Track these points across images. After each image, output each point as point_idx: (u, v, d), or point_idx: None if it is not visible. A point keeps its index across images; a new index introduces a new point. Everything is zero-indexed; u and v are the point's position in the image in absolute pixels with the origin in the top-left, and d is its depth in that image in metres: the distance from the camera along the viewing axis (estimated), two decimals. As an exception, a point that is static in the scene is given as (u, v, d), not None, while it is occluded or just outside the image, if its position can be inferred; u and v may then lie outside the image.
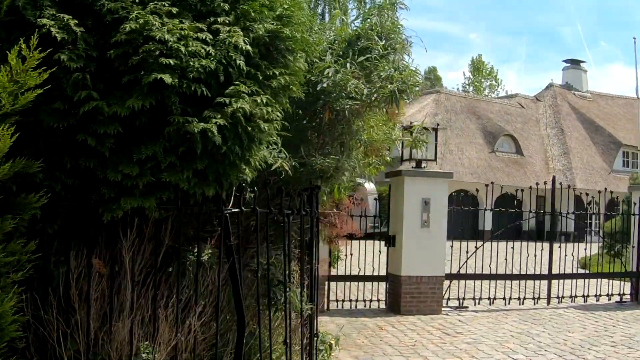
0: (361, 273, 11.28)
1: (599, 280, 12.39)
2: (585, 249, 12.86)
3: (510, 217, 13.14)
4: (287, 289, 5.37)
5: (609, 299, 12.10)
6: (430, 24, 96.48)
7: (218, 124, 4.17)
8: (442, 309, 10.84)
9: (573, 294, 11.87)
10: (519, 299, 11.46)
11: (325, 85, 5.61)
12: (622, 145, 38.58)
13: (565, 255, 11.72)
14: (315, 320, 6.20)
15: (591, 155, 37.71)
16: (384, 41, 5.93)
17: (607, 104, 44.05)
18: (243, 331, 4.96)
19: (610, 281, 12.65)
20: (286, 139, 5.93)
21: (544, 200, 14.08)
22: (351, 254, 10.79)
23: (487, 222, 22.79)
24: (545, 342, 8.61)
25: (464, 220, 11.44)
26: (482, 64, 61.89)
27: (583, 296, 11.90)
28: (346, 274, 11.22)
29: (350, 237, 10.92)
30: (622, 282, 12.45)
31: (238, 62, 4.33)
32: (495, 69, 62.74)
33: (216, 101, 4.28)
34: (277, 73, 4.54)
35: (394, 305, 10.77)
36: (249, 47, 4.37)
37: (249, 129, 4.39)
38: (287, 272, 5.32)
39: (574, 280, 12.12)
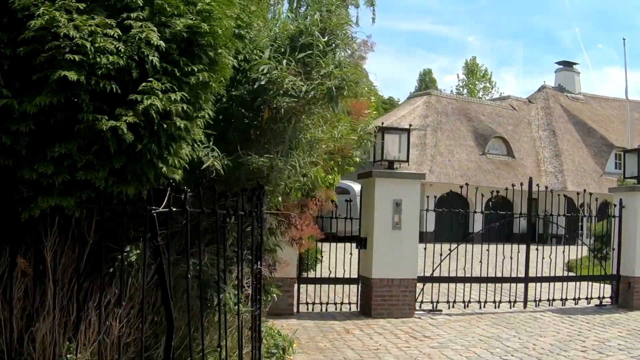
0: (332, 275, 11.01)
1: (580, 283, 12.05)
2: (577, 252, 12.62)
3: (493, 219, 12.85)
4: (223, 291, 5.13)
5: (588, 303, 11.81)
6: (429, 27, 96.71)
7: (128, 121, 4.11)
8: (415, 312, 10.60)
9: (551, 298, 11.58)
10: (494, 302, 11.18)
11: (263, 82, 5.39)
12: (614, 148, 38.27)
13: (543, 258, 11.43)
14: (257, 323, 5.96)
15: (583, 157, 37.44)
16: (327, 37, 5.68)
17: (601, 106, 43.80)
18: (172, 333, 4.76)
19: (591, 284, 12.39)
20: (229, 137, 5.70)
21: (536, 202, 13.94)
22: (321, 257, 10.55)
23: (477, 224, 22.52)
24: (514, 346, 8.34)
25: (453, 222, 11.24)
26: (476, 67, 61.69)
27: (561, 299, 11.61)
28: (317, 276, 11.01)
29: (334, 238, 10.81)
30: (603, 285, 12.16)
31: (151, 58, 4.23)
32: (490, 72, 62.51)
33: (128, 98, 4.21)
34: (196, 69, 4.39)
35: (366, 309, 10.52)
36: (162, 43, 4.27)
37: (165, 126, 4.29)
38: (219, 273, 5.07)
39: (552, 284, 11.82)
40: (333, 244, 10.72)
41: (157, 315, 5.18)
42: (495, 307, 11.14)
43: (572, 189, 30.52)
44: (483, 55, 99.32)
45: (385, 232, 10.42)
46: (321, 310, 10.66)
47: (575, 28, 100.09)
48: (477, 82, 61.11)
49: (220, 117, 5.75)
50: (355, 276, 10.96)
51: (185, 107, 4.29)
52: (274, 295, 8.95)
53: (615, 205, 12.11)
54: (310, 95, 5.30)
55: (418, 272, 10.73)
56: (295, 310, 10.42)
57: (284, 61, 5.44)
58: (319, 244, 12.56)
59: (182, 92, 4.29)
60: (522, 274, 11.59)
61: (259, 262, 5.89)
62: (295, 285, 10.60)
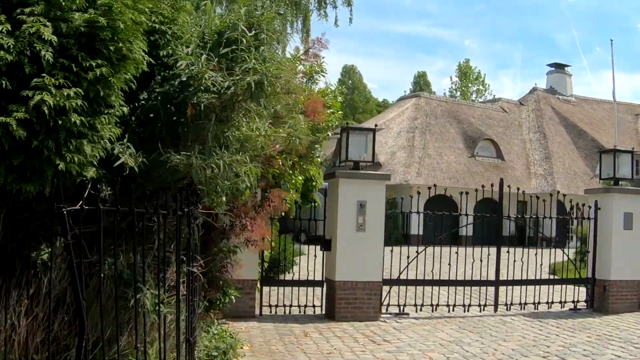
0: (302, 278, 10.77)
1: (563, 287, 11.76)
2: (563, 255, 12.39)
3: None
4: (140, 291, 4.88)
5: (562, 307, 11.53)
6: (426, 30, 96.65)
7: (18, 117, 3.96)
8: (382, 315, 10.35)
9: (523, 301, 11.30)
10: (463, 305, 10.90)
11: (184, 78, 5.14)
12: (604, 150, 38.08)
13: (515, 261, 11.17)
14: (191, 325, 5.69)
15: (574, 159, 37.20)
16: (253, 32, 5.42)
17: (592, 109, 43.60)
18: (83, 333, 4.54)
19: (573, 287, 12.13)
20: (157, 135, 5.43)
21: (525, 205, 13.71)
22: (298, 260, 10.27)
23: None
24: (474, 352, 8.06)
25: (437, 224, 11.03)
26: (470, 69, 61.51)
27: (534, 303, 11.33)
28: (279, 278, 10.79)
29: (316, 241, 10.63)
30: (578, 289, 11.87)
31: (44, 53, 4.05)
32: (483, 74, 62.32)
33: (21, 94, 4.04)
34: (94, 65, 4.17)
35: (330, 312, 10.27)
36: (54, 38, 4.07)
37: (60, 122, 4.10)
38: (136, 272, 4.81)
39: (534, 287, 11.52)
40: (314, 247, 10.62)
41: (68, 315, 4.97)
42: (464, 311, 10.87)
43: (562, 191, 30.24)
44: (481, 59, 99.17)
45: (349, 234, 10.16)
46: (285, 313, 10.41)
47: (573, 31, 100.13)
48: (470, 85, 60.94)
49: (151, 115, 5.52)
50: (320, 278, 10.69)
51: (80, 103, 4.08)
52: (232, 297, 8.80)
53: (590, 207, 11.84)
54: (230, 91, 5.02)
55: (387, 275, 10.48)
56: (258, 312, 10.17)
57: (204, 56, 5.19)
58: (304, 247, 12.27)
59: (77, 88, 4.10)
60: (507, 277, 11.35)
61: (191, 263, 5.63)
62: (258, 288, 10.39)
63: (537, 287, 11.52)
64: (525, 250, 11.29)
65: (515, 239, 15.66)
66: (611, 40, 35.30)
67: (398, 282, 10.69)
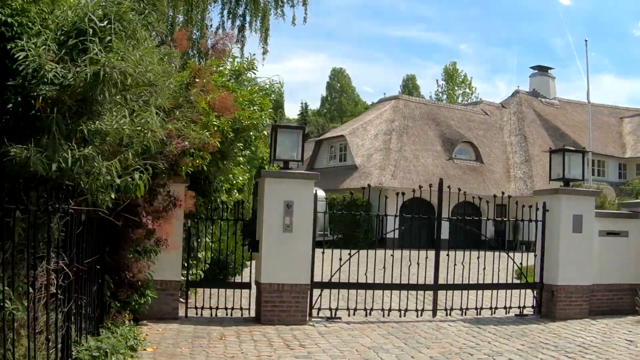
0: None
1: (507, 291, 11.23)
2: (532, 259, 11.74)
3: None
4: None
5: (507, 312, 10.98)
6: (422, 35, 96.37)
7: None
8: (313, 319, 9.92)
9: (464, 306, 10.78)
10: (399, 310, 10.39)
11: (29, 70, 4.70)
12: (586, 153, 37.61)
13: (455, 265, 10.65)
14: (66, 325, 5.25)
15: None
16: (105, 23, 4.97)
17: (576, 111, 43.18)
18: None
19: (525, 292, 11.55)
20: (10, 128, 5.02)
21: (506, 208, 13.32)
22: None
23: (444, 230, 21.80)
24: (388, 359, 7.54)
25: (414, 227, 10.64)
26: (456, 72, 61.10)
27: (476, 309, 10.81)
28: (208, 279, 10.39)
29: None
30: (523, 293, 11.32)
31: None
32: (469, 77, 61.89)
33: None
34: None
35: (258, 315, 9.79)
36: None
37: None
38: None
39: (466, 292, 11.01)
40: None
41: None
42: (400, 316, 10.36)
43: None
44: (476, 63, 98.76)
45: (275, 234, 9.71)
46: (211, 315, 9.94)
47: (568, 36, 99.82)
48: (456, 88, 60.51)
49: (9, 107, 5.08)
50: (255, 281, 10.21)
51: None
52: (149, 297, 8.66)
53: (537, 209, 11.34)
54: (68, 83, 4.58)
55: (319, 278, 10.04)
56: (183, 314, 9.74)
57: (42, 47, 4.75)
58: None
59: None
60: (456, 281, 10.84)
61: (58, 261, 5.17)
62: (182, 289, 9.99)
63: (495, 292, 11.03)
64: (439, 253, 10.68)
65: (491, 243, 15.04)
66: (586, 40, 34.78)
67: (329, 285, 10.21)
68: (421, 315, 10.48)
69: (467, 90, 60.25)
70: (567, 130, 39.24)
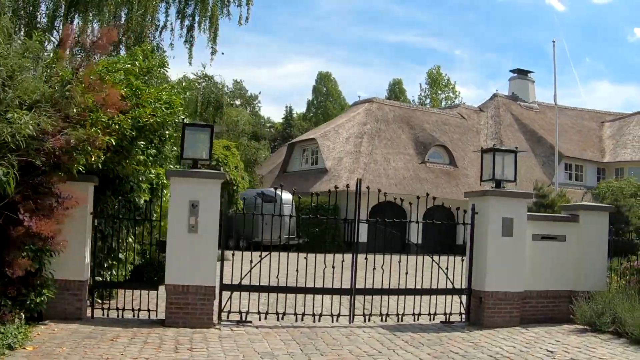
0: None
1: (456, 297, 10.74)
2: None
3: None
4: None
5: (432, 319, 10.48)
6: (416, 39, 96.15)
7: None
8: (223, 322, 9.53)
9: (384, 312, 10.29)
10: (313, 315, 9.92)
11: None
12: (563, 157, 37.27)
13: (374, 269, 10.17)
14: None
15: (531, 167, 36.33)
16: None
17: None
18: None
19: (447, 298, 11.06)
20: None
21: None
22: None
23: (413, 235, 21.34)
24: (272, 367, 7.11)
25: (386, 232, 10.26)
26: (440, 76, 60.72)
27: (397, 315, 10.32)
28: (112, 280, 9.99)
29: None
30: (456, 299, 10.81)
31: None
32: (453, 81, 61.55)
33: None
34: None
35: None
36: None
37: None
38: None
39: (396, 297, 10.52)
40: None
41: None
42: (314, 321, 9.90)
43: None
44: (470, 68, 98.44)
45: (180, 235, 9.33)
46: (118, 316, 9.56)
47: (563, 42, 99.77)
48: (440, 92, 60.14)
49: None
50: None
51: None
52: (45, 297, 8.44)
53: (465, 212, 10.86)
54: None
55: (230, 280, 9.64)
56: (89, 314, 9.44)
57: None
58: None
59: None
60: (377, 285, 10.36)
61: None
62: (87, 289, 9.56)
63: (419, 297, 10.54)
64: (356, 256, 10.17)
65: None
66: (554, 41, 34.04)
67: (240, 288, 9.77)
68: (337, 320, 10.01)
69: (451, 94, 59.99)
70: (545, 134, 38.86)
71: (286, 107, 73.04)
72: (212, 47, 17.56)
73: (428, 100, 59.45)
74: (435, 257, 10.55)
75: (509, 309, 10.46)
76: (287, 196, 28.14)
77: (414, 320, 10.38)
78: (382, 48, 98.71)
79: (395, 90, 67.14)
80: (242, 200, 21.79)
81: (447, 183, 32.90)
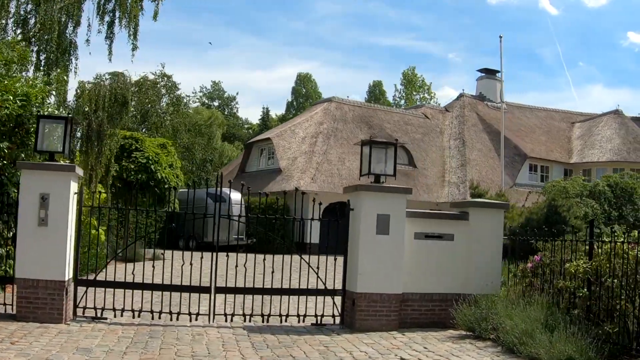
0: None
1: (295, 297, 10.34)
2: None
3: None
4: None
5: (302, 321, 10.10)
6: (411, 43, 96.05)
7: None
8: (78, 317, 9.42)
9: (249, 313, 9.98)
10: (170, 313, 9.68)
11: None
12: (527, 158, 36.98)
13: (237, 266, 9.88)
14: None
15: (493, 167, 36.02)
16: None
17: (525, 116, 42.57)
18: None
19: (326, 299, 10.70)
20: None
21: None
22: None
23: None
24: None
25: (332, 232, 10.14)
26: (415, 77, 60.43)
27: (262, 315, 10.00)
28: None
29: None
30: (320, 300, 10.41)
31: None
32: (429, 82, 61.19)
33: None
34: None
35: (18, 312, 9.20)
36: None
37: None
38: None
39: (269, 297, 10.28)
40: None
41: None
42: (171, 319, 9.67)
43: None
44: (464, 72, 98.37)
45: (30, 228, 9.14)
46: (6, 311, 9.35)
47: (557, 46, 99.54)
48: (415, 93, 59.86)
49: None
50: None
51: None
52: None
53: (338, 207, 10.55)
54: None
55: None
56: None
57: None
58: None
59: None
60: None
61: None
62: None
63: (288, 297, 10.27)
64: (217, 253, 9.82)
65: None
66: (500, 36, 33.61)
67: (95, 283, 9.67)
68: (196, 319, 9.73)
69: (427, 95, 59.66)
70: (510, 134, 38.54)
71: (263, 108, 72.68)
72: (132, 44, 17.48)
73: (403, 102, 59.13)
74: (332, 257, 10.16)
75: (386, 312, 10.00)
76: (236, 196, 27.91)
77: (282, 322, 10.04)
78: (377, 51, 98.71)
79: (376, 92, 66.90)
80: (180, 200, 21.57)
81: (404, 184, 32.43)
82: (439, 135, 38.10)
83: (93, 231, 13.23)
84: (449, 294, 10.38)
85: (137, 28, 17.30)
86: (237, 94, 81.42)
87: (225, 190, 32.04)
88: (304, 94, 69.58)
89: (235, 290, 10.05)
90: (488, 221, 10.89)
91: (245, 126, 68.57)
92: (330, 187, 29.61)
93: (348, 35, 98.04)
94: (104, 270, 10.41)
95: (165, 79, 44.85)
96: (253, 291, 10.29)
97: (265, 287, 10.38)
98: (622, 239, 8.69)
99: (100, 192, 13.06)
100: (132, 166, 20.60)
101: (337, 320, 10.29)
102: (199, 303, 9.96)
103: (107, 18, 17.19)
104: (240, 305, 10.37)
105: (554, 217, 19.94)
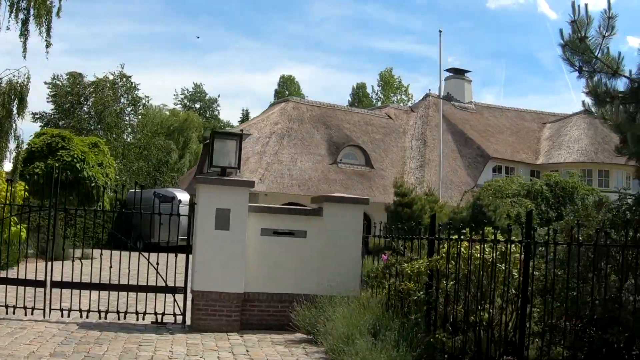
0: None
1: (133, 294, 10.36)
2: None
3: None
4: None
5: (143, 318, 10.12)
6: (409, 47, 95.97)
7: None
8: None
9: (85, 309, 10.05)
10: (6, 306, 9.76)
11: None
12: (490, 159, 36.82)
13: (111, 267, 9.84)
14: None
15: (454, 168, 35.92)
16: None
17: (494, 116, 42.39)
18: None
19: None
20: None
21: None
22: None
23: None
24: None
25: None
26: (392, 78, 60.34)
27: (98, 312, 10.00)
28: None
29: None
30: (169, 299, 10.49)
31: None
32: (406, 84, 61.02)
33: None
34: None
35: None
36: None
37: None
38: None
39: (116, 293, 10.21)
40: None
41: None
42: (7, 312, 9.74)
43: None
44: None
45: None
46: None
47: (556, 50, 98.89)
48: (392, 94, 59.76)
49: None
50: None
51: None
52: None
53: (179, 201, 10.63)
54: None
55: None
56: None
57: None
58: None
59: None
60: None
61: None
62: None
63: (128, 294, 10.22)
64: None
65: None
66: (440, 31, 33.53)
67: None
68: (32, 313, 9.82)
69: (404, 96, 59.63)
70: (474, 135, 38.43)
71: (242, 110, 72.68)
72: (46, 41, 17.64)
73: (379, 103, 59.08)
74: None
75: (226, 312, 9.83)
76: (184, 197, 28.03)
77: (119, 319, 10.04)
78: (376, 55, 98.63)
79: (359, 94, 66.84)
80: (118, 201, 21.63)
81: (359, 184, 32.56)
82: (402, 135, 38.02)
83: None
84: (301, 294, 9.90)
85: (50, 25, 17.68)
86: (219, 96, 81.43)
87: (174, 190, 32.06)
88: (286, 97, 69.67)
89: (71, 285, 10.10)
90: (344, 217, 10.61)
91: (227, 128, 68.71)
92: (280, 188, 29.64)
93: (346, 38, 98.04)
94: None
95: (124, 79, 45.41)
96: (90, 286, 10.32)
97: (102, 282, 10.36)
98: (467, 237, 7.88)
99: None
100: (57, 164, 20.70)
101: (180, 319, 10.21)
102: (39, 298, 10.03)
103: (21, 15, 17.38)
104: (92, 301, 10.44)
105: (479, 216, 19.81)
